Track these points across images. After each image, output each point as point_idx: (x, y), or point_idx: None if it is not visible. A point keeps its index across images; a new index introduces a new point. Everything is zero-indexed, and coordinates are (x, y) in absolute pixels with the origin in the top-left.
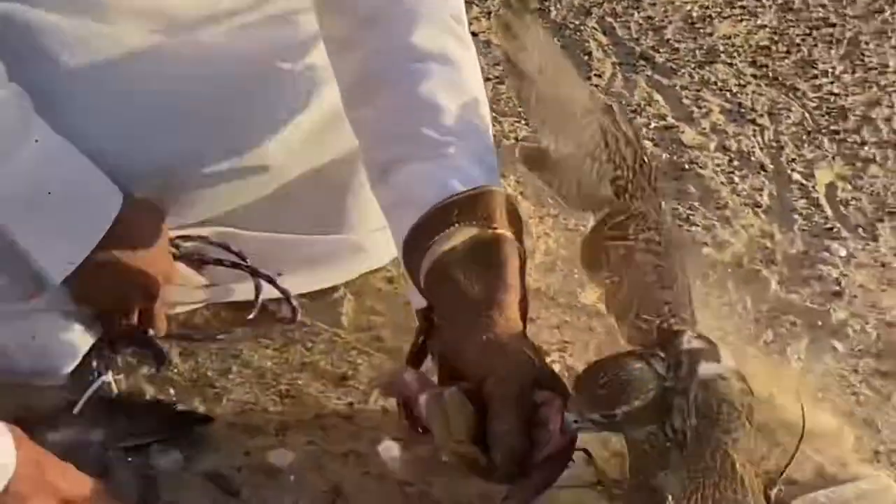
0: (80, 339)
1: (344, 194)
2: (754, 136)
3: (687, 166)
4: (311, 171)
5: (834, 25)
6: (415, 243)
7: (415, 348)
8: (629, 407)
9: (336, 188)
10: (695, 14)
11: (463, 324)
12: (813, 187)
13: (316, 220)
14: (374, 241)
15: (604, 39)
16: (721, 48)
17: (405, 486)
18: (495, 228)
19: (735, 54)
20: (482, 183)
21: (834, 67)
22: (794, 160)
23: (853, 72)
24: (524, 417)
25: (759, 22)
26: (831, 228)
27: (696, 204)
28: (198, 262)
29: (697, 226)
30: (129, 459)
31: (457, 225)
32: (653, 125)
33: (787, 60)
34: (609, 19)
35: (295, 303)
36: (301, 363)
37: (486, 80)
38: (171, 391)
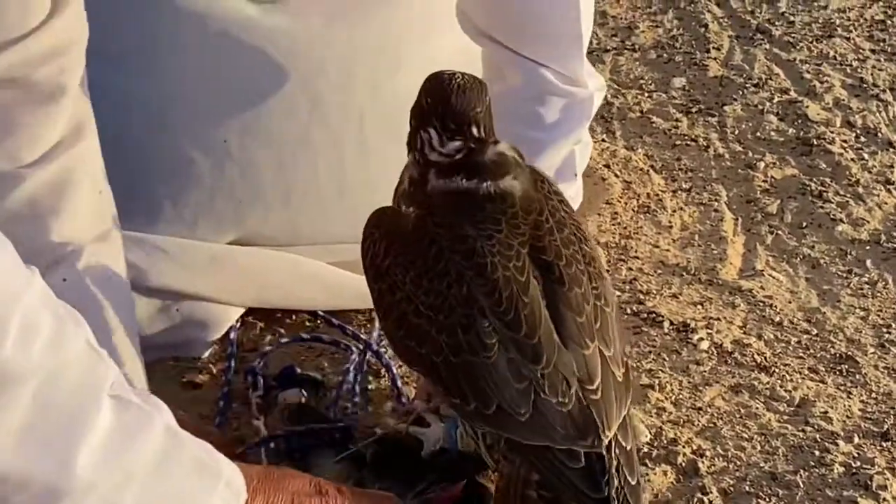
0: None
1: None
2: (878, 111)
3: (815, 142)
4: None
5: None
6: None
7: None
8: None
9: None
10: None
11: None
12: None
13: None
14: None
15: (718, 12)
16: (837, 22)
17: None
18: None
19: (851, 28)
20: None
21: None
22: None
23: None
24: None
25: None
26: None
27: (828, 180)
28: None
29: (831, 202)
30: None
31: None
32: (776, 99)
33: None
34: None
35: None
36: None
37: (605, 50)
38: None
